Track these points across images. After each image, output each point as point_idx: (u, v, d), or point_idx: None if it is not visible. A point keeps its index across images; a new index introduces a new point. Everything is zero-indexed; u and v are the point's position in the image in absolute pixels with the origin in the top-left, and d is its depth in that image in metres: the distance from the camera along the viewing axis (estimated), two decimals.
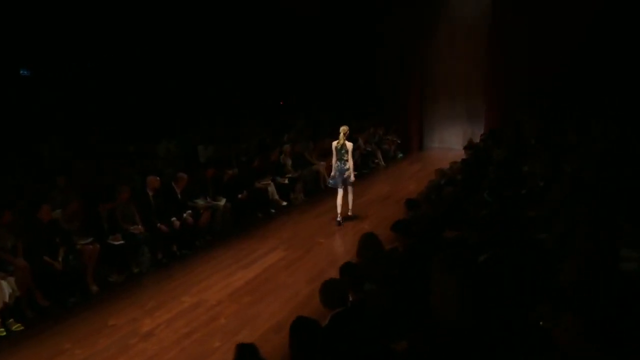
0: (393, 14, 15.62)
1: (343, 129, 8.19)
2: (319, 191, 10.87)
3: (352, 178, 8.27)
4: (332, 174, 8.35)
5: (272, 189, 9.35)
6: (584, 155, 7.90)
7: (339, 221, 8.37)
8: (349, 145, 8.13)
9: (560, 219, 4.56)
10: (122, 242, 6.30)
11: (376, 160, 13.99)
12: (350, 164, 8.14)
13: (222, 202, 8.06)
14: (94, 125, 8.91)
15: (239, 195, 8.61)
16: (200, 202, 7.77)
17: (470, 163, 8.69)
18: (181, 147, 9.66)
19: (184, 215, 7.25)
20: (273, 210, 9.37)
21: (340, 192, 8.31)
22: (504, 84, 14.96)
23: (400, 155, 15.73)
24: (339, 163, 8.19)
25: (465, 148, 10.18)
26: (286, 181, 9.80)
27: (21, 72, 10.39)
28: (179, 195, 7.37)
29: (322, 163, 11.04)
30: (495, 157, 9.21)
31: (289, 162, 10.25)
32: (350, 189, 8.39)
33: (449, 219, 5.46)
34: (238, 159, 9.51)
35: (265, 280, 6.39)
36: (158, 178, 6.97)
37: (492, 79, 15.39)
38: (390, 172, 13.23)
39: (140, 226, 6.64)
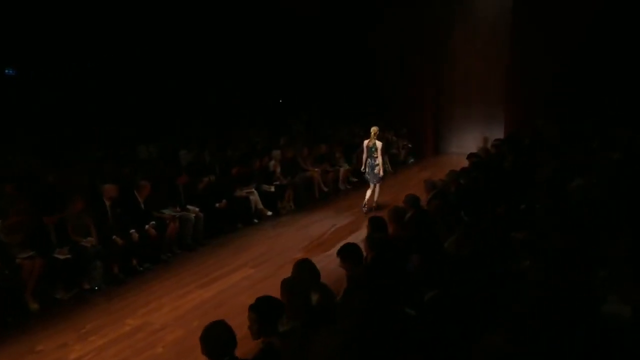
0: (404, 12, 15.01)
1: (374, 129, 9.33)
2: (312, 200, 10.39)
3: (381, 173, 9.39)
4: (363, 169, 9.52)
5: (255, 197, 8.91)
6: (601, 167, 7.14)
7: (364, 209, 9.37)
8: (379, 144, 9.24)
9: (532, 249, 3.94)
10: (68, 256, 5.95)
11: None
12: (379, 160, 9.21)
13: (194, 211, 7.66)
14: (67, 127, 8.64)
15: (217, 205, 8.21)
16: (169, 211, 7.38)
17: (470, 173, 8.01)
18: (163, 151, 9.32)
19: (146, 226, 6.87)
20: (256, 221, 8.94)
21: (370, 186, 9.47)
22: (526, 86, 14.32)
23: (412, 160, 15.09)
24: (369, 160, 9.29)
25: (469, 156, 9.47)
26: (272, 189, 9.34)
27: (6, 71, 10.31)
28: (142, 205, 7.00)
29: (317, 169, 10.56)
30: (505, 167, 8.57)
31: (279, 168, 9.79)
32: (378, 185, 9.48)
33: (419, 243, 4.87)
34: (220, 165, 9.11)
35: (221, 302, 5.95)
36: (115, 186, 6.60)
37: (513, 80, 14.73)
38: (396, 178, 12.61)
39: (93, 238, 6.30)
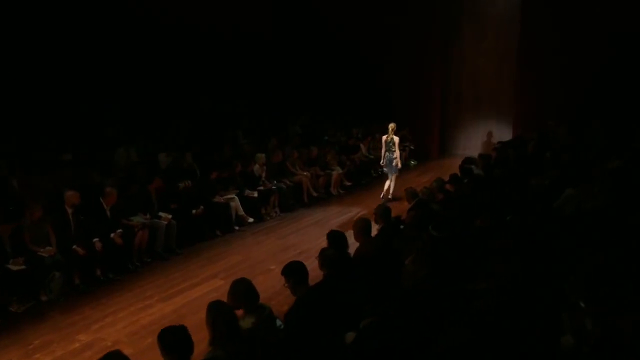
0: (409, 8, 14.71)
1: (391, 125, 10.27)
2: (301, 206, 10.17)
3: (399, 165, 10.40)
4: (382, 162, 10.44)
5: (235, 203, 8.71)
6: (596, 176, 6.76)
7: (382, 199, 10.18)
8: (396, 138, 10.21)
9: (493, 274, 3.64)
10: (22, 267, 5.81)
11: (380, 169, 13.06)
12: (397, 154, 10.17)
13: (166, 219, 7.49)
14: (40, 128, 8.52)
15: (194, 211, 8.04)
16: (138, 219, 7.22)
17: (459, 180, 7.71)
18: (142, 154, 9.18)
19: (112, 234, 6.71)
20: (237, 228, 8.75)
21: (388, 180, 10.42)
22: (535, 86, 14.04)
23: (413, 162, 14.76)
24: (388, 153, 10.21)
25: (464, 161, 9.16)
26: (255, 194, 9.13)
27: None
28: (108, 212, 6.84)
29: (306, 173, 10.33)
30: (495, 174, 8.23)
31: (264, 172, 9.58)
32: (394, 176, 10.34)
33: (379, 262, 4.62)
34: (201, 170, 8.93)
35: (181, 317, 5.73)
36: (77, 193, 6.45)
37: (522, 80, 14.40)
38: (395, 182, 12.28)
39: (52, 248, 6.16)
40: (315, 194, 10.46)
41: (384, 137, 10.31)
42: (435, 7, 14.99)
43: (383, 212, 5.45)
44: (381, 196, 10.44)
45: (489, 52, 15.53)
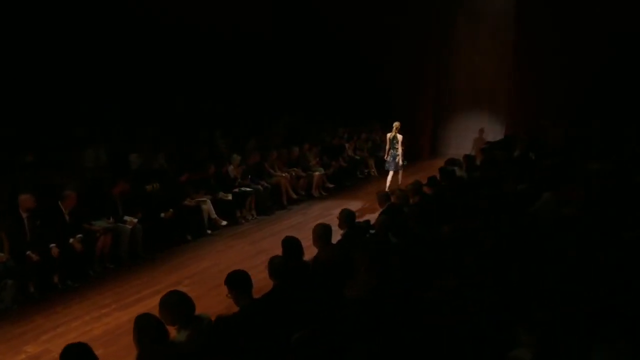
0: (409, 8, 14.62)
1: (396, 124, 10.92)
2: (280, 208, 10.02)
3: (400, 162, 10.99)
4: (386, 158, 11.11)
5: (207, 206, 8.55)
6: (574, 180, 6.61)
7: None
8: (399, 136, 10.87)
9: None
10: None
11: (366, 170, 12.93)
12: (399, 151, 10.85)
13: (131, 223, 7.33)
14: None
15: (162, 215, 7.89)
16: (101, 223, 7.07)
17: (437, 183, 7.55)
18: (113, 154, 9.02)
19: (71, 240, 6.56)
20: (210, 232, 8.60)
21: (391, 173, 11.00)
22: (531, 85, 13.94)
23: (403, 163, 14.56)
24: (392, 150, 10.92)
25: (446, 162, 9.00)
26: (230, 197, 8.98)
27: None
28: (67, 216, 6.69)
29: (285, 174, 10.17)
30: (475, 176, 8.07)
31: (239, 174, 9.42)
32: (400, 172, 11.06)
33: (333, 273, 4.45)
34: (173, 171, 8.77)
35: None
36: (31, 196, 6.29)
37: (517, 79, 14.29)
38: (379, 185, 12.11)
39: (4, 254, 6.01)
40: (294, 196, 10.31)
41: (388, 135, 10.97)
42: (434, 5, 14.91)
43: (346, 217, 5.28)
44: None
45: (483, 51, 15.38)
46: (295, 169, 10.58)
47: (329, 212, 9.86)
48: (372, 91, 14.99)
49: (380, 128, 14.04)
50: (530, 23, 13.70)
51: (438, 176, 8.07)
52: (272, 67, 14.05)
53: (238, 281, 3.82)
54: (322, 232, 4.83)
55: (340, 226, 5.38)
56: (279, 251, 7.77)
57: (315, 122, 13.80)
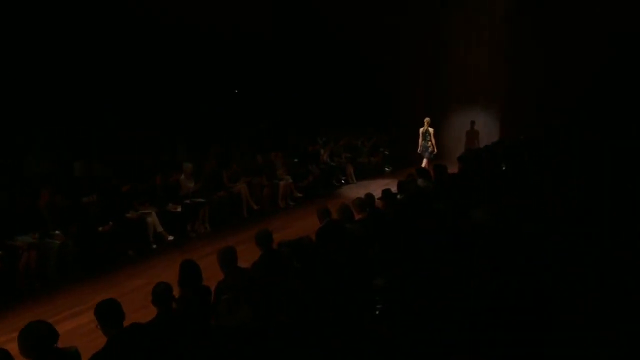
0: (409, 9, 14.72)
1: (427, 119, 13.52)
2: (239, 220, 9.92)
3: (435, 150, 13.51)
4: (419, 150, 13.55)
5: (152, 219, 8.47)
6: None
7: None
8: (431, 130, 13.43)
9: None
10: None
11: (343, 178, 12.79)
12: (431, 143, 13.41)
13: (59, 238, 7.27)
14: None
15: (100, 228, 7.83)
16: (25, 239, 7.02)
17: (391, 196, 7.38)
18: (56, 161, 8.99)
19: None
20: (155, 247, 8.52)
21: (425, 160, 13.33)
22: (522, 85, 14.15)
23: (388, 168, 14.47)
24: (423, 142, 13.44)
25: (407, 176, 8.83)
26: (179, 209, 8.90)
27: None
28: None
29: (243, 184, 10.07)
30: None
31: (192, 183, 9.34)
32: (429, 159, 13.28)
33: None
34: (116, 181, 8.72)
35: None
36: None
37: (509, 78, 14.43)
38: (353, 193, 11.98)
39: None
40: (255, 207, 10.20)
41: (421, 129, 13.40)
42: (430, 6, 15.21)
43: (261, 238, 5.16)
44: None
45: (476, 51, 15.35)
46: (259, 177, 10.47)
47: (290, 224, 9.76)
48: (372, 93, 15.10)
49: (375, 132, 14.12)
50: (524, 22, 13.92)
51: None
52: (268, 69, 14.04)
53: (106, 311, 3.73)
54: (224, 257, 4.72)
55: (257, 246, 5.27)
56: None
57: (297, 127, 13.73)
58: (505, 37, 14.57)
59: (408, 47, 15.15)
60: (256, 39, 13.70)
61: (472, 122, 15.22)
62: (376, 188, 12.26)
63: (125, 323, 5.29)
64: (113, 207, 8.12)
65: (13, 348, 5.52)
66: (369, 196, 7.19)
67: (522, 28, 14.21)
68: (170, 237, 8.64)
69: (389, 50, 14.99)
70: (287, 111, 13.93)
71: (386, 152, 14.48)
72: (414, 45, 15.21)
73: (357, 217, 6.75)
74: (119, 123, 10.54)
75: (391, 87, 15.22)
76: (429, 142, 13.34)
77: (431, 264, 4.35)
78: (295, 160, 11.85)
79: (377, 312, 3.71)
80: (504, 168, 8.32)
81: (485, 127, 15.43)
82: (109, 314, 3.73)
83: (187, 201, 9.07)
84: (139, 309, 6.29)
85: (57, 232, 7.32)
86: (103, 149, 9.45)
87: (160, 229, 8.54)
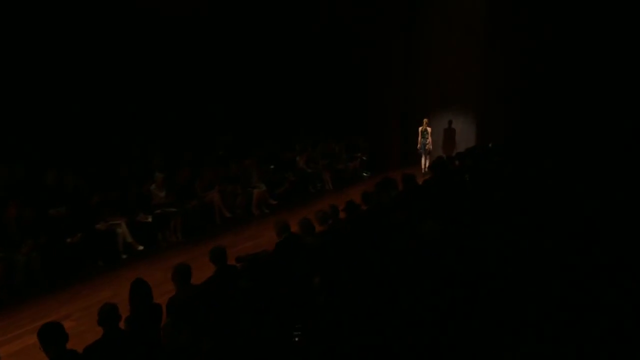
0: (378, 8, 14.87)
1: (425, 120, 14.82)
2: (212, 229, 10.15)
3: (431, 148, 14.76)
4: (418, 147, 14.86)
5: (122, 230, 8.69)
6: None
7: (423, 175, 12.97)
8: (429, 129, 14.75)
9: None
10: None
11: (319, 185, 13.03)
12: (429, 141, 14.70)
13: (26, 250, 7.47)
14: None
15: (68, 240, 8.04)
16: None
17: (355, 208, 7.63)
18: (26, 170, 9.17)
19: None
20: (125, 256, 8.75)
21: (423, 158, 14.74)
22: (504, 88, 14.25)
23: (366, 174, 14.72)
24: (422, 140, 14.69)
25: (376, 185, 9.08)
26: (150, 219, 9.12)
27: None
28: None
29: (215, 192, 10.29)
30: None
31: (163, 192, 9.55)
32: (427, 156, 14.61)
33: None
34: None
35: None
36: None
37: (488, 83, 14.64)
38: (327, 201, 12.20)
39: None
40: (228, 215, 10.43)
41: (420, 128, 14.72)
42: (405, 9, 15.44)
43: (215, 255, 5.40)
44: (422, 172, 13.70)
45: (456, 54, 15.58)
46: (232, 185, 10.69)
47: (261, 233, 9.96)
48: (349, 97, 15.31)
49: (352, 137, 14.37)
50: (500, 24, 14.06)
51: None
52: (244, 74, 14.13)
53: (49, 333, 3.95)
54: (177, 273, 4.95)
55: (211, 262, 5.51)
56: (196, 276, 7.97)
57: (272, 134, 13.89)
58: (483, 40, 14.78)
59: (384, 51, 15.24)
60: (231, 43, 13.79)
61: (450, 121, 15.67)
62: (354, 194, 12.56)
63: (86, 337, 5.56)
64: (82, 219, 8.32)
65: None
66: (333, 208, 7.41)
67: (499, 32, 14.50)
68: (140, 247, 8.87)
69: (365, 54, 15.13)
70: (263, 117, 14.06)
71: (364, 158, 14.72)
72: (389, 50, 15.38)
73: (319, 229, 6.96)
74: (93, 130, 10.70)
75: (367, 91, 15.40)
76: (428, 140, 14.54)
77: (375, 283, 4.58)
78: (271, 167, 12.07)
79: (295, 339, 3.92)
80: (467, 178, 8.58)
81: (463, 132, 15.67)
82: (51, 337, 3.93)
83: (158, 211, 9.28)
84: (93, 327, 6.50)
85: (24, 244, 7.50)
86: (76, 157, 9.60)
87: (130, 239, 8.76)
